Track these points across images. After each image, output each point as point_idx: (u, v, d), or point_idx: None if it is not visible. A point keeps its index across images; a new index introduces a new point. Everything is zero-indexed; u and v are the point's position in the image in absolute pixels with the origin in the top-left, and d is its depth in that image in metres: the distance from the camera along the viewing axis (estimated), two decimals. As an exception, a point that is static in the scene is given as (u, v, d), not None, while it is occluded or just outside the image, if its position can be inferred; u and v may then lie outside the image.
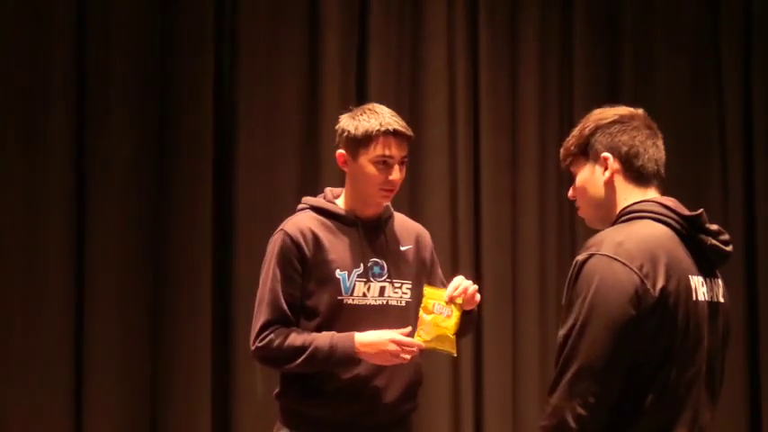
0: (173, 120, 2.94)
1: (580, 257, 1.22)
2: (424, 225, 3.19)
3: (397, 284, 1.79)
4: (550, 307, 3.30)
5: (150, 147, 2.91)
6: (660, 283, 1.18)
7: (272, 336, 1.69)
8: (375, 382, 1.72)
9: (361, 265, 1.76)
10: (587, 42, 3.37)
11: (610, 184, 1.31)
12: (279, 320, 1.70)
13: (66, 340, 2.70)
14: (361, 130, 1.71)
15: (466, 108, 3.22)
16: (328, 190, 1.85)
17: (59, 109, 2.76)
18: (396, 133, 1.71)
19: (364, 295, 1.75)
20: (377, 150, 1.71)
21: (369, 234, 1.78)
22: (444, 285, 1.79)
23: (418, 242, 1.85)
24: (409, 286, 1.80)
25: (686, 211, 1.28)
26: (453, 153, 3.21)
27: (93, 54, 2.83)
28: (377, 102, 3.15)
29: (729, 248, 1.31)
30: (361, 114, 1.74)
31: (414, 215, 3.14)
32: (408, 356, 1.68)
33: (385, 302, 1.77)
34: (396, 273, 1.79)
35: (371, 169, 1.72)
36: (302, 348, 1.67)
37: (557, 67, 3.36)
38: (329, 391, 1.72)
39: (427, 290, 1.73)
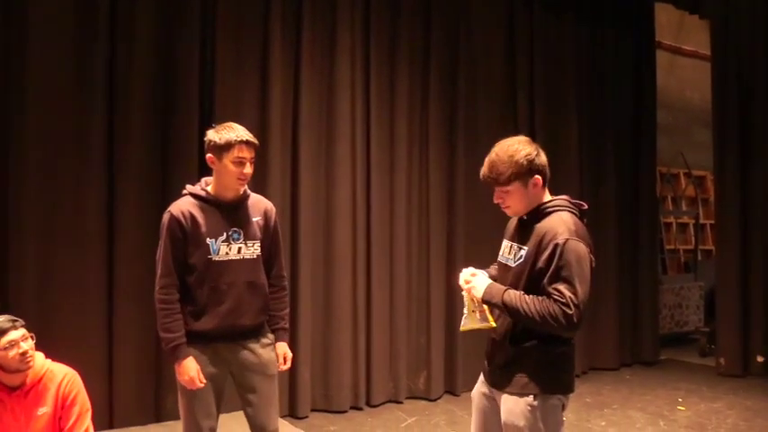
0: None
1: (560, 240, 1.73)
2: (335, 212, 4.14)
3: (249, 244, 2.23)
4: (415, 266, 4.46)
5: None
6: (592, 253, 1.79)
7: (164, 301, 2.14)
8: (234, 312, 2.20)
9: (224, 233, 2.19)
10: (439, 95, 4.57)
11: (534, 191, 1.84)
12: (168, 274, 2.15)
13: None
14: (223, 140, 2.14)
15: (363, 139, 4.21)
16: (203, 180, 2.26)
17: None
18: (247, 142, 2.16)
19: (227, 254, 2.19)
20: (234, 153, 2.14)
21: (229, 211, 2.21)
22: (276, 246, 2.30)
23: (265, 214, 2.30)
24: (258, 244, 2.25)
25: (581, 205, 1.84)
26: (353, 162, 4.17)
27: None
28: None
29: None
30: (222, 129, 2.17)
31: (326, 205, 4.09)
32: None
33: (242, 257, 2.21)
34: (249, 236, 2.23)
35: (232, 167, 2.15)
36: (164, 327, 2.13)
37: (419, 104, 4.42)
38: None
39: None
